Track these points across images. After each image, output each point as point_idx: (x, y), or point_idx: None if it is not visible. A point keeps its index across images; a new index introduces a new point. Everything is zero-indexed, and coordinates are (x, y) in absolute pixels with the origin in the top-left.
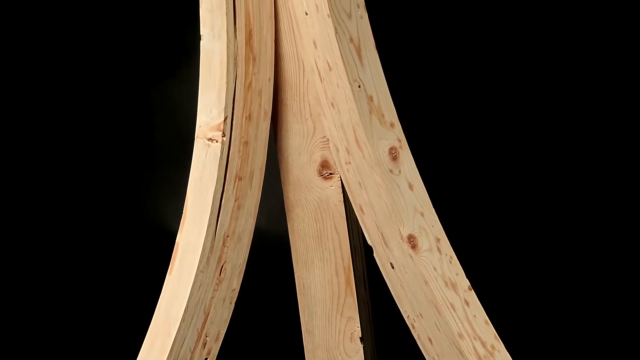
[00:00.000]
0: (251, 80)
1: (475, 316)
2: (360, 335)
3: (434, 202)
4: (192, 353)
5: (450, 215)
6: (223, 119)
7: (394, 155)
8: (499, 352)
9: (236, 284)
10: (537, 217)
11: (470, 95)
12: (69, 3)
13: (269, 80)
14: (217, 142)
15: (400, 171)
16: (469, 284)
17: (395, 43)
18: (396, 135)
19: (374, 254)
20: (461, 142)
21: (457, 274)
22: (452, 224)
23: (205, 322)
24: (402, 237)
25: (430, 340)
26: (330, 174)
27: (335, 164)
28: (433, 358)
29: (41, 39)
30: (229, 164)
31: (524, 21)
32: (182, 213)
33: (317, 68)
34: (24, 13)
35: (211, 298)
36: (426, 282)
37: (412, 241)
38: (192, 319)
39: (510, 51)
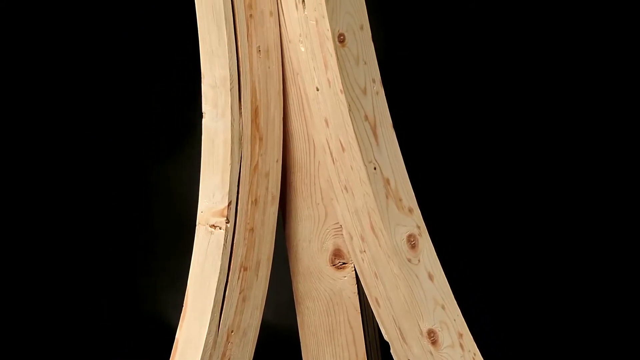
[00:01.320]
0: (257, 161)
1: None
2: None
3: (434, 201)
4: None
5: (451, 215)
6: (227, 204)
7: (412, 243)
8: None
9: None
10: (537, 217)
11: (470, 96)
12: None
13: (277, 161)
14: (220, 229)
15: (419, 260)
16: None
17: (395, 43)
18: (415, 221)
19: (391, 351)
20: (461, 142)
21: None
22: (452, 224)
23: None
24: (421, 333)
25: None
26: (344, 263)
27: (348, 252)
28: None
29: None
30: (233, 252)
31: (524, 22)
32: (182, 305)
33: (329, 148)
34: (23, 17)
35: None
36: None
37: (432, 337)
38: None
39: (510, 52)
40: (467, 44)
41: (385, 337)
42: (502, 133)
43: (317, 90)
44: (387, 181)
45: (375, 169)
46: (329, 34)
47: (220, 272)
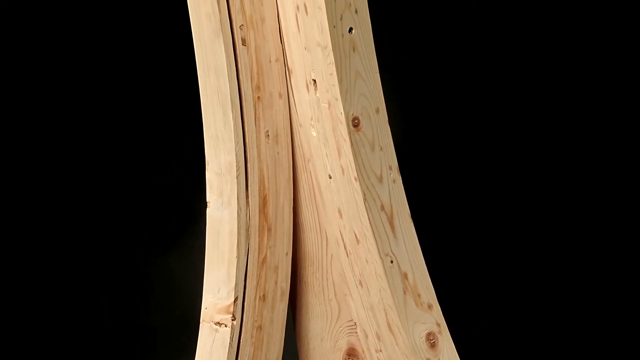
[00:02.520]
0: (266, 254)
1: None
2: None
3: (434, 201)
4: None
5: (451, 215)
6: (233, 300)
7: (432, 342)
8: None
9: None
10: (537, 217)
11: (470, 96)
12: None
13: (287, 254)
14: (226, 326)
15: None
16: None
17: (395, 44)
18: (435, 318)
19: None
20: (461, 142)
21: None
22: (452, 224)
23: None
24: None
25: None
26: None
27: (363, 352)
28: None
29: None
30: (239, 352)
31: (524, 23)
32: None
33: (343, 240)
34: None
35: None
36: None
37: None
38: None
39: (510, 52)
40: (467, 44)
41: None
42: (502, 133)
43: (330, 178)
44: (405, 275)
45: (392, 262)
46: (343, 118)
47: None
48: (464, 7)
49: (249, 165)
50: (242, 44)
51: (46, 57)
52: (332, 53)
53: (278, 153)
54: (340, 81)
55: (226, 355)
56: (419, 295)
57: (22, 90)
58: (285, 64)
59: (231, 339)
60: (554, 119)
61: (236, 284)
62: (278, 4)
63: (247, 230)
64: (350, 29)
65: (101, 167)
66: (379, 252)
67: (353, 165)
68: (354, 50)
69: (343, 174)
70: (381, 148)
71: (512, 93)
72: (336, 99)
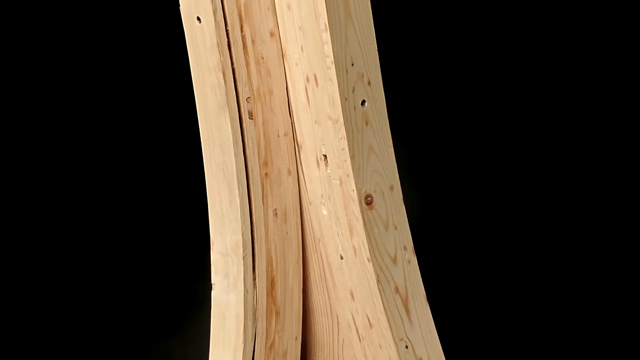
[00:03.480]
0: (274, 339)
1: None
2: None
3: (435, 201)
4: None
5: (451, 215)
6: None
7: None
8: None
9: None
10: (536, 218)
11: (470, 96)
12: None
13: (296, 339)
14: None
15: None
16: None
17: (395, 43)
18: None
19: None
20: (462, 142)
21: None
22: (453, 224)
23: None
24: None
25: None
26: None
27: None
28: None
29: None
30: None
31: (524, 23)
32: None
33: (355, 324)
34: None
35: None
36: None
37: None
38: None
39: (510, 53)
40: (467, 44)
41: None
42: (503, 134)
43: (342, 258)
44: None
45: (407, 347)
46: (355, 195)
47: None
48: (464, 7)
49: (256, 245)
50: (249, 118)
51: (46, 65)
52: (343, 127)
53: (287, 232)
54: (352, 157)
55: None
56: None
57: (22, 98)
58: (295, 138)
59: None
60: (554, 120)
61: None
62: (287, 76)
63: (254, 313)
64: (363, 102)
65: (101, 253)
66: (393, 337)
67: (366, 245)
68: (366, 124)
69: (355, 254)
70: (395, 227)
71: (511, 95)
72: (348, 176)
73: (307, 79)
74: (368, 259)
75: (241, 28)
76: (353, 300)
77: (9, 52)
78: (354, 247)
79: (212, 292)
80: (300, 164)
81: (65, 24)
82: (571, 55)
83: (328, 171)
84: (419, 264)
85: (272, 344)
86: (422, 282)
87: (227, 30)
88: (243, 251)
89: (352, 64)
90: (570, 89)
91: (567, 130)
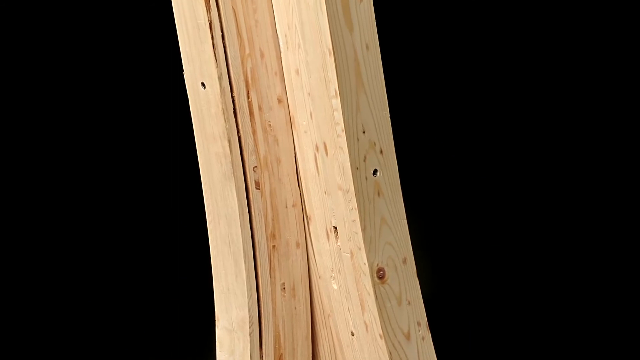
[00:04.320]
0: None
1: None
2: None
3: (435, 201)
4: None
5: (451, 215)
6: None
7: None
8: None
9: None
10: (537, 218)
11: (470, 95)
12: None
13: None
14: None
15: None
16: None
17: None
18: None
19: None
20: (462, 143)
21: None
22: (452, 225)
23: None
24: None
25: None
26: None
27: None
28: None
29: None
30: None
31: (524, 23)
32: None
33: None
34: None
35: None
36: None
37: None
38: None
39: (510, 53)
40: (467, 44)
41: None
42: (503, 134)
43: (352, 335)
44: None
45: None
46: (366, 269)
47: None
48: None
49: (263, 321)
50: (256, 188)
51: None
52: (354, 198)
53: (295, 308)
54: (363, 229)
55: None
56: None
57: (23, 106)
58: (303, 209)
59: None
60: (553, 118)
61: None
62: (295, 144)
63: None
64: (375, 171)
65: (100, 337)
66: None
67: (378, 321)
68: (378, 195)
69: (367, 330)
70: (409, 302)
71: (511, 95)
72: (359, 249)
73: (317, 148)
74: (380, 336)
75: (247, 94)
76: None
77: (9, 52)
78: (365, 323)
79: None
80: (310, 236)
81: (67, 33)
82: (571, 55)
83: (338, 244)
84: (433, 340)
85: None
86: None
87: (232, 97)
88: (249, 327)
89: (364, 132)
90: (570, 85)
91: (574, 164)
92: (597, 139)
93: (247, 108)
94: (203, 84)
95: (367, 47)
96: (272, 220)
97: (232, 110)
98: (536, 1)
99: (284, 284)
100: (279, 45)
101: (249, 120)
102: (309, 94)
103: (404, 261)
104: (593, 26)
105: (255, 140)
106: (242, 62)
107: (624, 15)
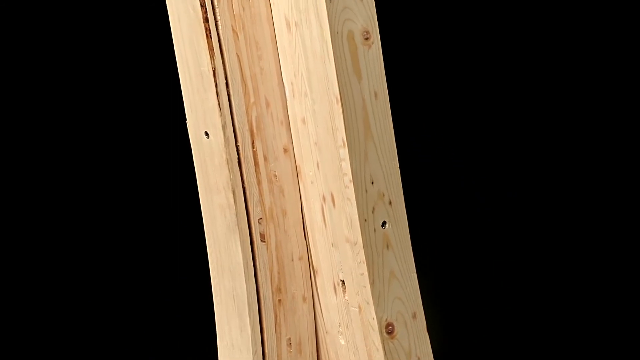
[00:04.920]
0: None
1: None
2: None
3: (435, 201)
4: None
5: (451, 215)
6: None
7: None
8: None
9: None
10: (536, 218)
11: (470, 95)
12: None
13: None
14: None
15: None
16: None
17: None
18: None
19: None
20: (462, 143)
21: None
22: (452, 225)
23: None
24: None
25: None
26: None
27: None
28: None
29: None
30: None
31: (524, 23)
32: None
33: None
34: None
35: None
36: None
37: None
38: None
39: (511, 53)
40: (467, 44)
41: None
42: (504, 135)
43: None
44: None
45: None
46: (375, 324)
47: None
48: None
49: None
50: (261, 240)
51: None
52: (362, 250)
53: None
54: (372, 282)
55: None
56: None
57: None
58: (310, 262)
59: None
60: (554, 118)
61: None
62: (301, 195)
63: None
64: (384, 223)
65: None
66: None
67: None
68: (387, 248)
69: None
70: (419, 358)
71: (512, 94)
72: (368, 303)
73: (324, 199)
74: None
75: (252, 144)
76: None
77: (9, 52)
78: None
79: None
80: (316, 290)
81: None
82: (571, 55)
83: (346, 298)
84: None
85: None
86: None
87: (237, 146)
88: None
89: (372, 183)
90: (570, 86)
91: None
92: (599, 140)
93: (252, 158)
94: (206, 133)
95: (375, 95)
96: (278, 273)
97: (237, 160)
98: (536, 3)
99: (290, 339)
100: (284, 94)
101: (254, 171)
102: (315, 143)
103: (414, 316)
104: (594, 26)
105: (260, 191)
106: (247, 111)
107: (624, 15)
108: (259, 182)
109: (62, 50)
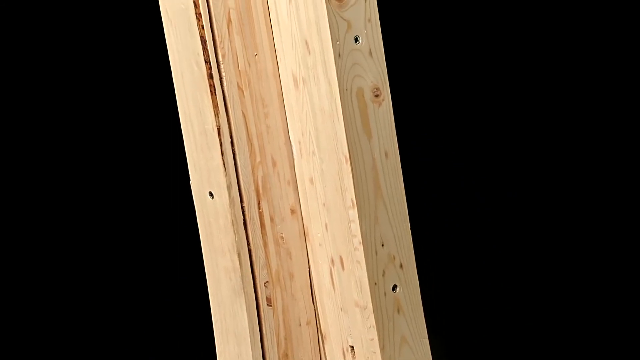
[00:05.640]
0: None
1: None
2: None
3: (435, 201)
4: None
5: (451, 215)
6: None
7: None
8: None
9: None
10: (536, 219)
11: (470, 96)
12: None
13: None
14: None
15: None
16: None
17: (396, 42)
18: None
19: None
20: (462, 143)
21: None
22: (453, 225)
23: None
24: None
25: None
26: None
27: None
28: None
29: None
30: None
31: (523, 25)
32: None
33: None
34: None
35: None
36: None
37: None
38: None
39: (510, 54)
40: (467, 44)
41: None
42: (504, 135)
43: None
44: None
45: None
46: None
47: None
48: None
49: None
50: (268, 304)
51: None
52: (372, 315)
53: None
54: (382, 348)
55: None
56: None
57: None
58: (318, 327)
59: None
60: (554, 119)
61: None
62: (309, 257)
63: None
64: (395, 287)
65: None
66: None
67: None
68: (398, 312)
69: None
70: None
71: (512, 94)
72: None
73: (332, 261)
74: None
75: (258, 204)
76: None
77: (9, 54)
78: None
79: None
80: (325, 355)
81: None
82: (571, 56)
83: None
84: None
85: None
86: None
87: (242, 207)
88: None
89: (382, 245)
90: (570, 86)
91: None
92: (598, 140)
93: (258, 219)
94: (211, 194)
95: (386, 154)
96: (285, 339)
97: (242, 221)
98: (537, 6)
99: None
100: (292, 153)
101: (260, 232)
102: (324, 204)
103: None
104: (594, 26)
105: (266, 253)
106: (253, 171)
107: (624, 15)
108: (265, 244)
109: (61, 88)
